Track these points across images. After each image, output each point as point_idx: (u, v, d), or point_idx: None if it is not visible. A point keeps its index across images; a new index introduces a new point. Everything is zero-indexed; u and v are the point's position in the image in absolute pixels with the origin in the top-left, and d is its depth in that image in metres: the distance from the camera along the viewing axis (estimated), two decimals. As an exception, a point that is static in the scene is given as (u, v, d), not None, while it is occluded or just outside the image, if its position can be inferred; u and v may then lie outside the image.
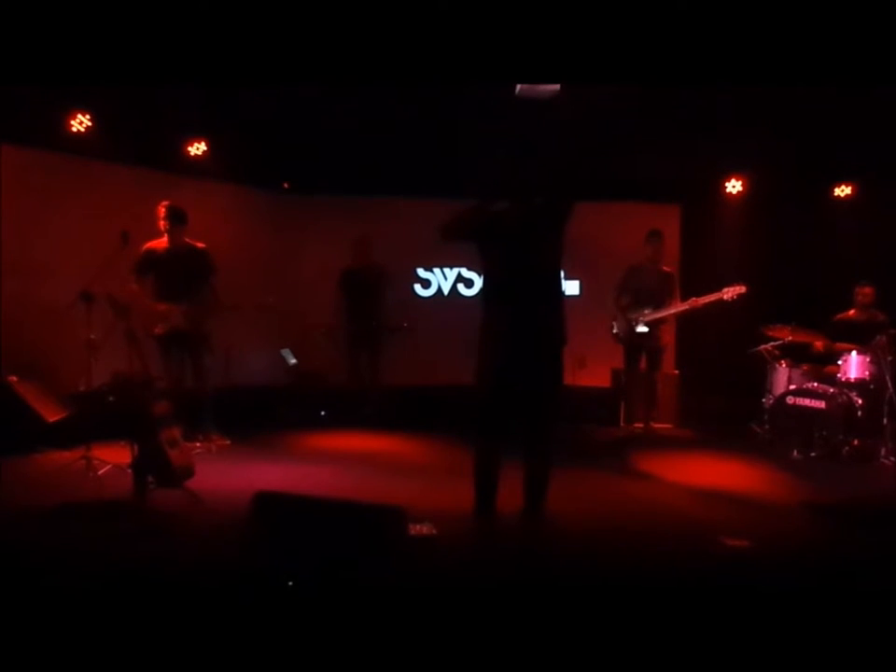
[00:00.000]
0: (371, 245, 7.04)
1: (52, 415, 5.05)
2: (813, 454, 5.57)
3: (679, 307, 6.17)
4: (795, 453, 5.61)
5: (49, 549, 3.21)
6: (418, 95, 5.87)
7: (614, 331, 6.36)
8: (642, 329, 6.18)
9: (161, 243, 5.40)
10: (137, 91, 5.57)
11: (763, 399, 6.29)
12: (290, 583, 2.41)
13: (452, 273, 7.91)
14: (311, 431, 6.19)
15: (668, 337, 6.61)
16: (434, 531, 3.46)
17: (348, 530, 2.65)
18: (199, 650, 2.27)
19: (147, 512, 3.88)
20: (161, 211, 5.36)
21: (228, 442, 5.53)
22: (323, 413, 6.75)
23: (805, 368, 6.14)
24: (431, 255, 7.67)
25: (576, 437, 6.28)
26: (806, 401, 5.73)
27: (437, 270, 7.91)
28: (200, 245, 5.50)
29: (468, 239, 3.86)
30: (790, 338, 6.17)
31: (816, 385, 5.82)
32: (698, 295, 6.04)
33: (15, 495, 4.07)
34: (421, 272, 7.91)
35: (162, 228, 5.37)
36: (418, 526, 3.44)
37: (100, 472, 4.43)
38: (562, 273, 3.87)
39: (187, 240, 5.43)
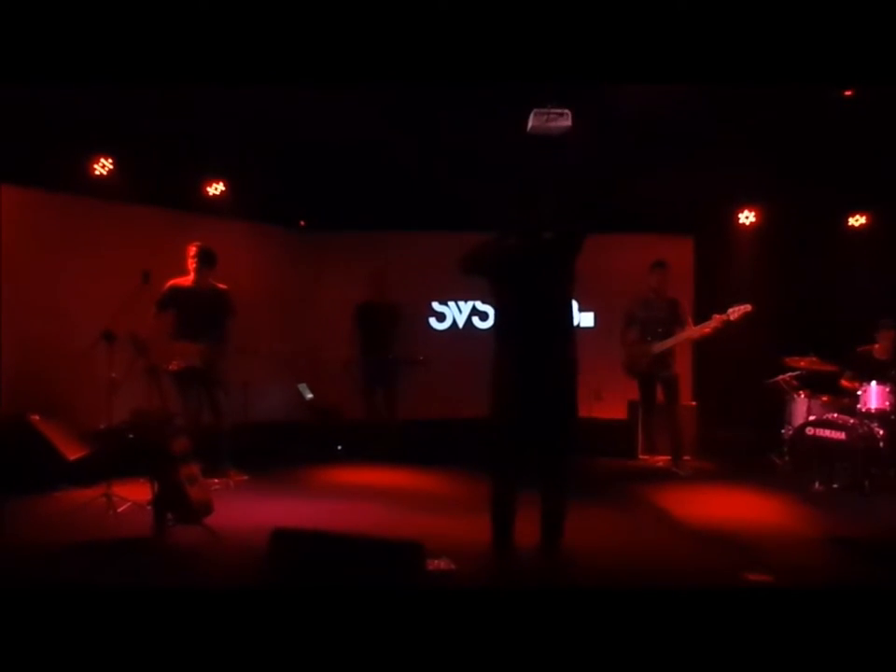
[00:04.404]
0: (385, 280, 7.10)
1: (73, 453, 5.10)
2: (835, 485, 5.49)
3: (690, 334, 6.18)
4: (817, 484, 5.53)
5: (69, 586, 3.22)
6: (431, 130, 5.97)
7: (624, 364, 6.40)
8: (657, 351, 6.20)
9: (186, 281, 5.47)
10: (158, 135, 5.71)
11: (783, 431, 6.23)
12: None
13: (467, 307, 7.94)
14: (328, 466, 6.20)
15: (680, 366, 6.51)
16: (452, 566, 3.45)
17: (366, 566, 2.65)
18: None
19: (167, 549, 3.89)
20: (192, 251, 5.44)
21: (246, 478, 5.55)
22: (340, 447, 6.76)
23: (824, 398, 6.09)
24: (446, 288, 7.72)
25: (593, 470, 6.24)
26: (826, 432, 5.66)
27: (452, 303, 7.95)
28: (222, 286, 5.57)
29: (482, 274, 3.91)
30: (814, 367, 6.13)
31: (836, 415, 5.75)
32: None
33: (36, 532, 4.11)
34: (436, 305, 7.95)
35: (191, 267, 5.46)
36: (436, 561, 3.43)
37: (120, 510, 4.47)
38: (573, 306, 3.90)
39: (211, 281, 5.52)
